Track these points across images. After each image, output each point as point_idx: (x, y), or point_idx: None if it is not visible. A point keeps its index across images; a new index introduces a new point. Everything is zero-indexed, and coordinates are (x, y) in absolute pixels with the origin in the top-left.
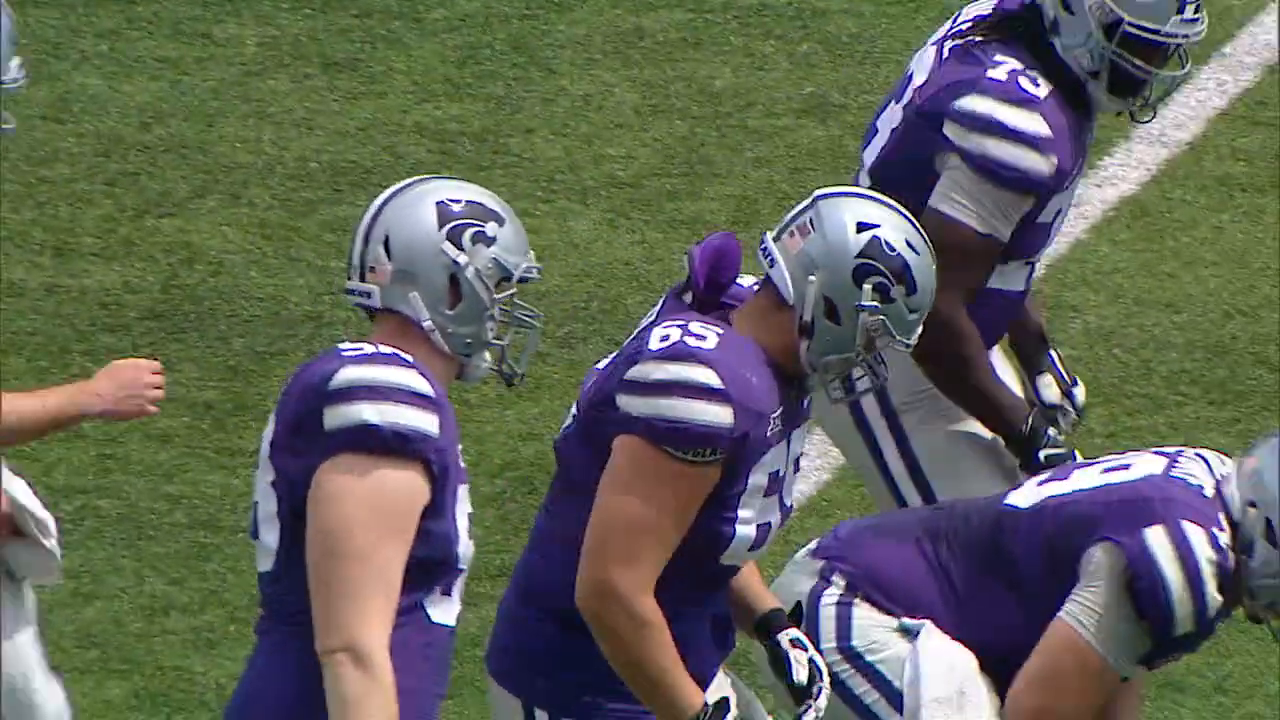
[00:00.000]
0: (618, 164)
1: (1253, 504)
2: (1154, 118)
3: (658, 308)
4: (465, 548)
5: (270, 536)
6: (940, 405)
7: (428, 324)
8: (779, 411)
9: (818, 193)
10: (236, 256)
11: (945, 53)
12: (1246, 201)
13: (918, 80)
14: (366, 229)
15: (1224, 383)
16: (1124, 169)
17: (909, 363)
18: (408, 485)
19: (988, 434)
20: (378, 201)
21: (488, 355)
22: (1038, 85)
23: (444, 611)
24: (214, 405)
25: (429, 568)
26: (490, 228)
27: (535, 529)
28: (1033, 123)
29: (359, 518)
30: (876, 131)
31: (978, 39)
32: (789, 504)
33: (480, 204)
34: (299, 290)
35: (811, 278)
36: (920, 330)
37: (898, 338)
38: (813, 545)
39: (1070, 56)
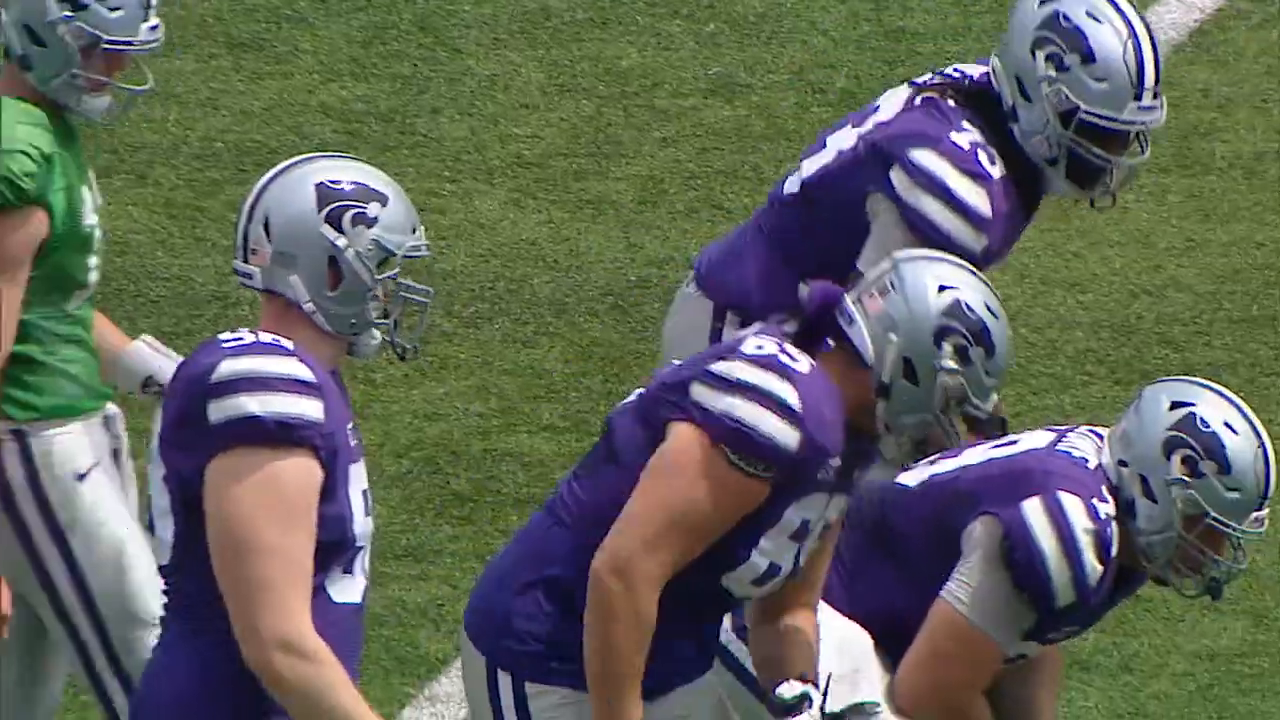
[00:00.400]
0: (524, 144)
1: (1124, 463)
2: (1114, 204)
3: (753, 330)
4: (362, 525)
5: (166, 532)
6: None
7: (308, 306)
8: (838, 461)
9: (897, 255)
10: (142, 236)
11: (918, 100)
12: (1151, 182)
13: (882, 115)
14: (249, 209)
15: (1129, 362)
16: None
17: None
18: (300, 472)
19: None
20: (261, 181)
21: (376, 333)
22: (994, 164)
23: (345, 589)
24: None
25: (325, 549)
26: (372, 208)
27: (561, 498)
28: (978, 199)
29: (260, 513)
30: (824, 147)
31: (951, 101)
32: (800, 564)
33: (362, 184)
34: (205, 270)
35: (892, 337)
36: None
37: (974, 401)
38: None
39: (1029, 143)
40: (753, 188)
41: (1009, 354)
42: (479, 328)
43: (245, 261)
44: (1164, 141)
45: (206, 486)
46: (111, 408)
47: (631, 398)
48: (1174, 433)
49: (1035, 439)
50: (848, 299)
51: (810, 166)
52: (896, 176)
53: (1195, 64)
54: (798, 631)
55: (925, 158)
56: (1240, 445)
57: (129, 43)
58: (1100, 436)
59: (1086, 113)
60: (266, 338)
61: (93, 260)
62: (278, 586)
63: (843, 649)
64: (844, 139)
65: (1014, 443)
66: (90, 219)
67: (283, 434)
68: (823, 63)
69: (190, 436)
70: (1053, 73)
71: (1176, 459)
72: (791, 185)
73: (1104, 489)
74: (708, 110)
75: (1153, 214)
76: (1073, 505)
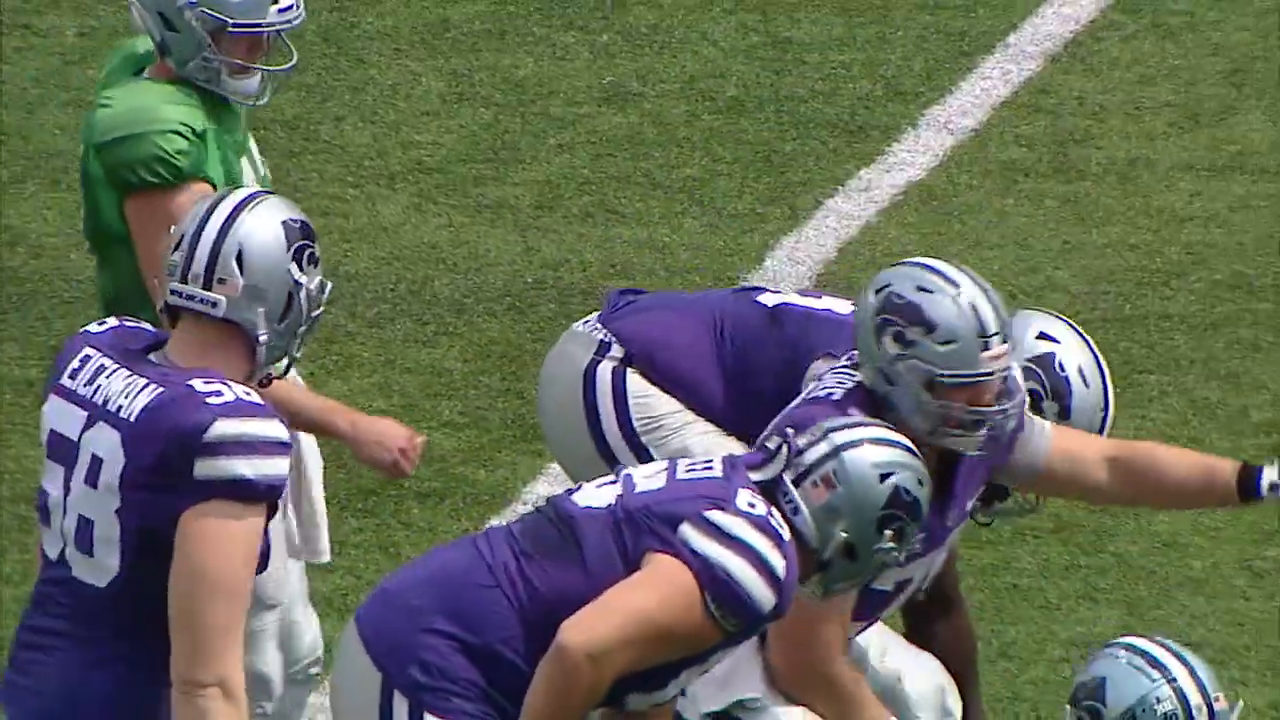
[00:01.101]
0: (425, 150)
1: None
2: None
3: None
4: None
5: (110, 559)
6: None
7: (263, 336)
8: None
9: (833, 436)
10: (56, 239)
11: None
12: (1029, 187)
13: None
14: (217, 240)
15: None
16: (912, 154)
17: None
18: (261, 524)
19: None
20: (222, 212)
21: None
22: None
23: None
24: (35, 383)
25: None
26: (317, 248)
27: (506, 569)
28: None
29: (236, 559)
30: (819, 296)
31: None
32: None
33: (309, 224)
34: None
35: (838, 530)
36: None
37: (901, 558)
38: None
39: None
40: (644, 193)
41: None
42: (381, 328)
43: (207, 289)
44: (1041, 148)
45: (182, 532)
46: None
47: (594, 498)
48: (878, 317)
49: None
50: (788, 481)
51: (800, 299)
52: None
53: (1070, 73)
54: None
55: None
56: (938, 300)
57: (257, 25)
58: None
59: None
60: (243, 393)
61: None
62: (233, 632)
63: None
64: (839, 306)
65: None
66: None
67: (267, 495)
68: (712, 72)
69: (166, 482)
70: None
71: (888, 339)
72: (770, 297)
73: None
74: (601, 118)
75: (1030, 218)
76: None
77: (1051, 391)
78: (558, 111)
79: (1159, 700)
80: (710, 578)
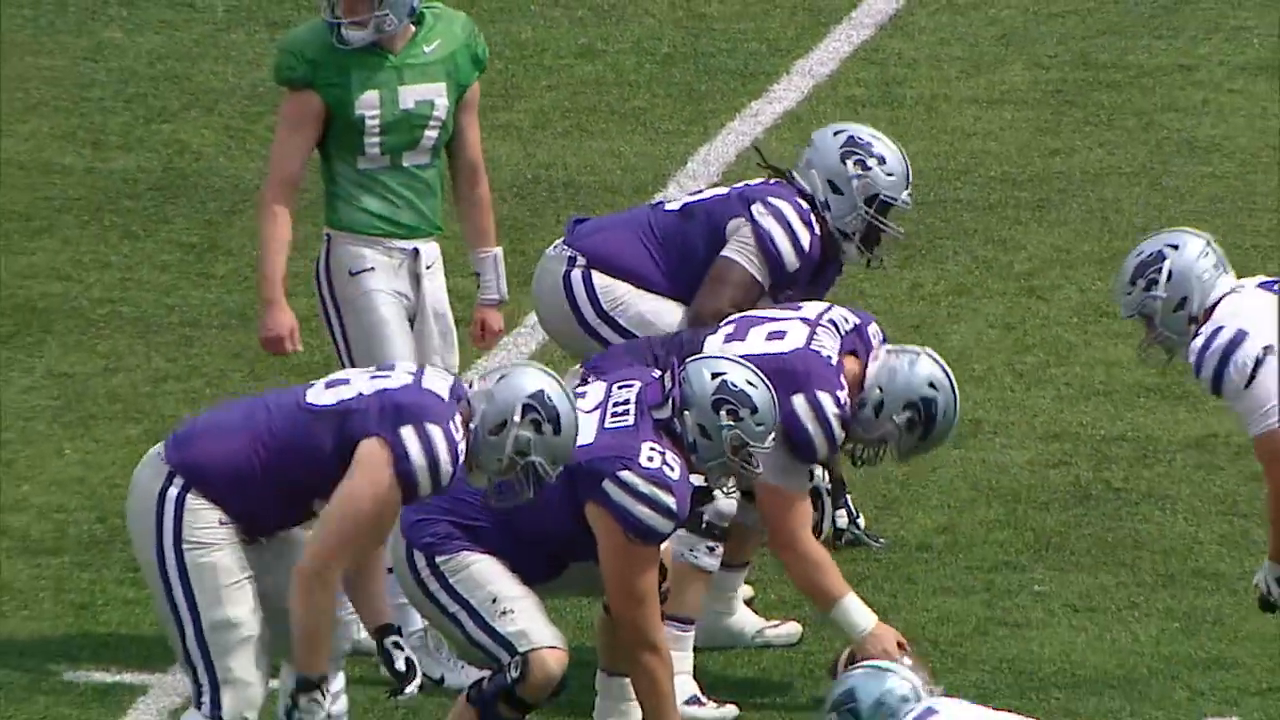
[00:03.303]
0: None
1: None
2: (882, 265)
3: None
4: None
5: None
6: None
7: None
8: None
9: (687, 365)
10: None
11: (772, 179)
12: (866, 114)
13: (752, 182)
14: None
15: None
16: (786, 92)
17: None
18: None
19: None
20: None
21: None
22: (814, 227)
23: None
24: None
25: None
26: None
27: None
28: (804, 237)
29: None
30: (701, 191)
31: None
32: None
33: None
34: None
35: (686, 415)
36: (771, 435)
37: (753, 445)
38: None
39: (841, 223)
40: (605, 118)
41: (772, 410)
42: None
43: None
44: (873, 88)
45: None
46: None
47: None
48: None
49: (795, 336)
50: (676, 420)
51: (692, 198)
52: (756, 208)
53: (893, 38)
54: None
55: (780, 203)
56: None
57: None
58: (836, 326)
59: (884, 196)
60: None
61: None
62: None
63: None
64: (717, 191)
65: (782, 335)
66: (360, 110)
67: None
68: (652, 35)
69: None
70: (859, 171)
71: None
72: (673, 205)
73: (841, 378)
74: (577, 67)
75: None
76: (825, 399)
77: (866, 154)
78: (548, 62)
79: (895, 689)
80: (628, 525)
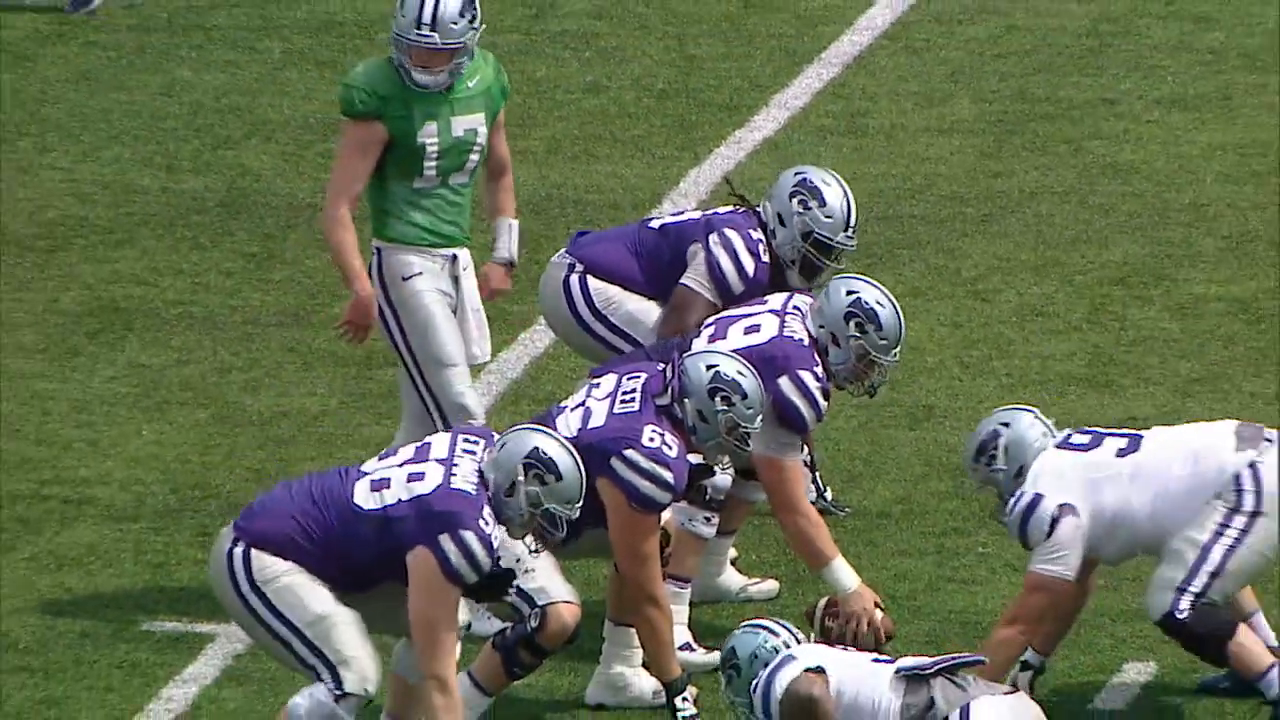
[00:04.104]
0: None
1: (821, 326)
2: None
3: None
4: None
5: None
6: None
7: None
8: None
9: (685, 359)
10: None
11: (740, 209)
12: (808, 142)
13: (719, 211)
14: None
15: None
16: (765, 122)
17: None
18: None
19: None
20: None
21: None
22: (763, 255)
23: None
24: None
25: None
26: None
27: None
28: (749, 265)
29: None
30: (682, 213)
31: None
32: None
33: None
34: None
35: (687, 403)
36: (760, 416)
37: (744, 426)
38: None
39: (782, 250)
40: (609, 145)
41: (759, 395)
42: None
43: None
44: (840, 119)
45: None
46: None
47: (569, 426)
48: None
49: (769, 327)
50: (677, 405)
51: (670, 219)
52: (712, 238)
53: (858, 75)
54: None
55: (732, 234)
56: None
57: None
58: (802, 311)
59: (818, 234)
60: None
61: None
62: None
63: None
64: (692, 215)
65: (757, 329)
66: (422, 139)
67: None
68: (649, 73)
69: None
70: (800, 210)
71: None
72: (655, 223)
73: (815, 354)
74: (584, 100)
75: (834, 160)
76: (807, 376)
77: (810, 195)
78: (559, 97)
79: (767, 641)
80: (632, 496)
